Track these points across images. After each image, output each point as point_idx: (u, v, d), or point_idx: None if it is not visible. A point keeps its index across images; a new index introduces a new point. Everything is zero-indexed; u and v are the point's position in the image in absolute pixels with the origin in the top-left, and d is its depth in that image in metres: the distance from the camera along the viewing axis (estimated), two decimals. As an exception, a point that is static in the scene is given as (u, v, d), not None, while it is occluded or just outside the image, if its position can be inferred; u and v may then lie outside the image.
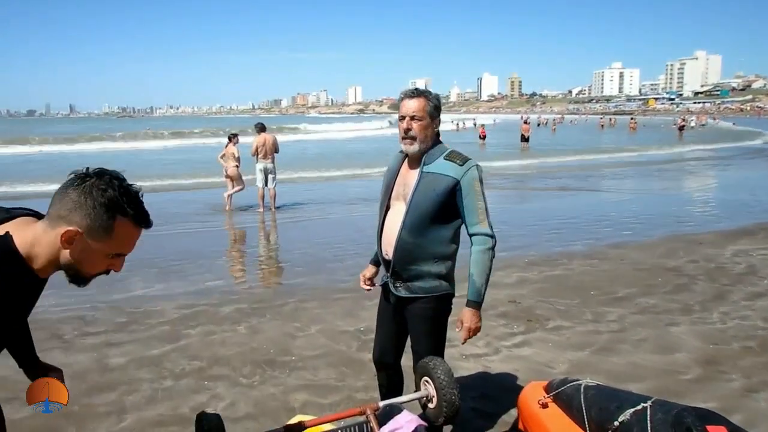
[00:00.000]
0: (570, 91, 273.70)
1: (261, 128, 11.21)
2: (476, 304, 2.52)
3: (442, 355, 2.66)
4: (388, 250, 2.57)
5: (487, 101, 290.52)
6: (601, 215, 10.24)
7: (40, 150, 30.25)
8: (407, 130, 2.50)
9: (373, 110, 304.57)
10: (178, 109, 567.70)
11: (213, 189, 13.20)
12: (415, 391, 2.44)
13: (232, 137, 11.36)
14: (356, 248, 7.59)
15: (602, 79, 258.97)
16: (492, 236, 2.46)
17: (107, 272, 1.48)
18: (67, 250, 1.38)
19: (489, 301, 5.23)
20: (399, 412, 2.20)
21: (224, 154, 11.31)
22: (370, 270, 2.95)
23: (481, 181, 2.48)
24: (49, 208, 1.40)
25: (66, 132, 47.17)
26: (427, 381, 2.76)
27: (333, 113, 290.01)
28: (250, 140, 11.56)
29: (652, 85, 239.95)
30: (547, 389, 2.63)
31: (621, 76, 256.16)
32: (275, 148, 11.21)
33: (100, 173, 1.38)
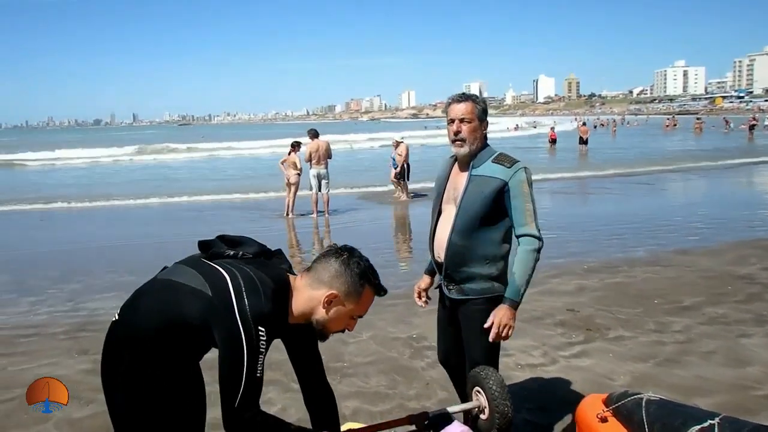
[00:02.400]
0: (631, 92, 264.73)
1: (314, 134, 11.36)
2: (513, 302, 2.47)
3: (496, 359, 2.63)
4: (440, 253, 2.61)
5: (544, 103, 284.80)
6: (666, 220, 9.79)
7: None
8: (457, 133, 2.53)
9: (427, 114, 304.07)
10: (235, 116, 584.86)
11: (279, 194, 13.46)
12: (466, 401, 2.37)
13: (295, 146, 11.52)
14: (409, 254, 7.55)
15: (665, 78, 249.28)
16: (539, 238, 2.47)
17: (342, 331, 1.80)
18: (325, 310, 1.70)
19: (545, 310, 5.12)
20: (449, 422, 2.14)
21: (284, 161, 11.52)
22: (425, 281, 2.94)
23: (529, 184, 2.50)
24: (309, 271, 1.74)
25: (147, 140, 49.20)
26: (478, 391, 2.67)
27: (387, 118, 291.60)
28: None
29: (719, 83, 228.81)
30: (607, 402, 2.49)
31: (685, 74, 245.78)
32: (328, 154, 11.33)
33: (352, 249, 1.75)
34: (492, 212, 2.49)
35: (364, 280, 1.71)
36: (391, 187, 13.60)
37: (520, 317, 4.94)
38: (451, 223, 2.54)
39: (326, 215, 11.06)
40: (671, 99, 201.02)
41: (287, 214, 11.09)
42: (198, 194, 14.44)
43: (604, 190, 14.20)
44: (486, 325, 2.46)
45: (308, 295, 1.71)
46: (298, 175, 11.22)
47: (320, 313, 1.71)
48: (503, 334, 2.46)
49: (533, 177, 2.60)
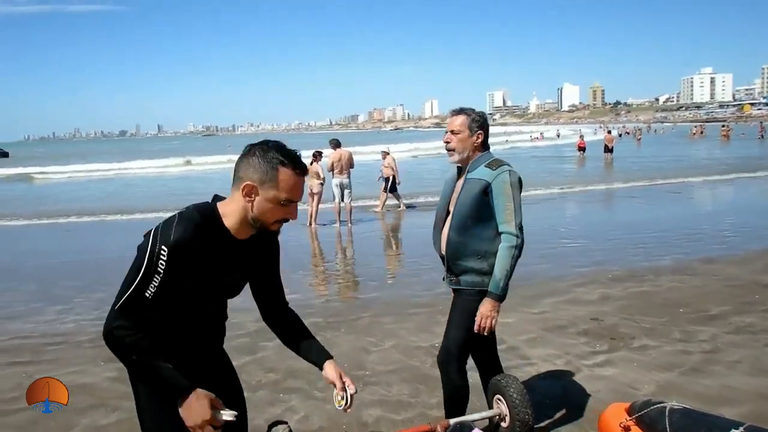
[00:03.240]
0: (657, 99, 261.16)
1: (336, 144, 11.46)
2: (494, 295, 2.71)
3: (466, 343, 2.88)
4: (443, 248, 2.91)
5: (568, 111, 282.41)
6: (692, 228, 9.63)
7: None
8: (447, 143, 2.85)
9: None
10: (258, 126, 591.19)
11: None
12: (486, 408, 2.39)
13: (317, 155, 11.60)
14: (431, 263, 7.54)
15: (692, 86, 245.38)
16: (517, 236, 2.69)
17: (286, 220, 1.74)
18: (249, 204, 1.68)
19: (569, 318, 5.09)
20: (470, 431, 2.16)
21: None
22: None
23: (512, 185, 2.71)
24: (233, 179, 1.72)
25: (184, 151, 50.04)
26: (499, 399, 2.69)
27: (410, 127, 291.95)
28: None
29: (747, 90, 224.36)
30: (630, 411, 2.48)
31: (712, 81, 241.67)
32: (351, 164, 11.41)
33: (262, 141, 1.72)
34: (481, 211, 2.73)
35: (275, 161, 1.67)
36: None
37: (543, 326, 4.97)
38: (450, 220, 2.84)
39: (349, 225, 11.12)
40: (698, 106, 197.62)
41: (310, 224, 11.18)
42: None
43: (629, 199, 14.01)
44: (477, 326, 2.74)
45: (234, 199, 1.71)
46: (321, 184, 11.31)
47: (248, 209, 1.70)
48: (485, 325, 2.74)
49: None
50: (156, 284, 1.60)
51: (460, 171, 2.92)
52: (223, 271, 1.75)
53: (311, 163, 11.54)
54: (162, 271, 1.59)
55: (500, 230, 2.72)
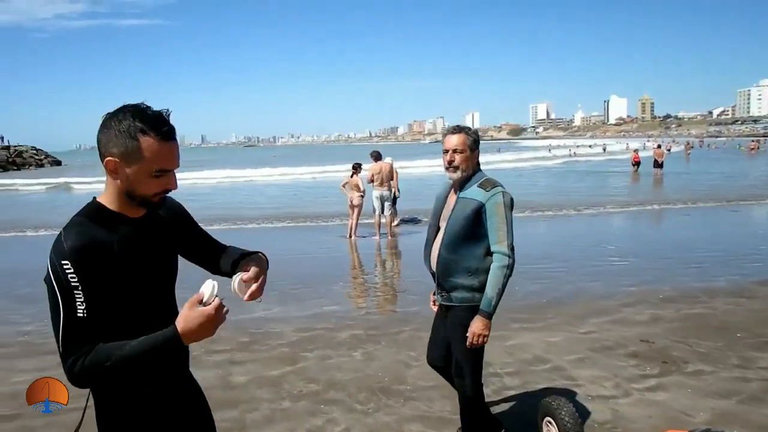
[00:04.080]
0: (710, 113, 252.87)
1: (377, 156, 11.47)
2: (486, 313, 2.78)
3: (477, 363, 2.95)
4: (433, 265, 2.99)
5: (615, 125, 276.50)
6: (749, 248, 9.19)
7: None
8: (450, 162, 2.89)
9: (491, 136, 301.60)
10: (298, 137, 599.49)
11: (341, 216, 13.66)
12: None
13: (357, 167, 11.64)
14: (473, 277, 7.46)
15: (748, 98, 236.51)
16: (509, 256, 2.76)
17: (167, 191, 1.56)
18: (117, 180, 1.51)
19: (617, 339, 4.91)
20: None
21: (346, 183, 11.67)
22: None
23: (506, 206, 2.78)
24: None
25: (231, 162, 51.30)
26: (549, 422, 2.59)
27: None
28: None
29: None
30: (687, 441, 2.35)
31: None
32: (391, 176, 11.40)
33: (118, 108, 1.50)
34: (473, 230, 2.81)
35: (132, 130, 1.45)
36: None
37: (590, 346, 4.80)
38: (441, 238, 2.91)
39: (389, 237, 11.10)
40: (755, 120, 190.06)
41: (350, 236, 11.20)
42: (271, 217, 14.85)
43: (681, 216, 13.52)
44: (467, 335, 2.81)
45: (107, 180, 1.54)
46: (361, 197, 11.33)
47: (118, 184, 1.52)
48: (477, 342, 2.81)
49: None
50: (82, 300, 1.43)
51: (451, 187, 3.03)
52: (141, 251, 1.57)
53: (351, 176, 11.59)
54: (78, 284, 1.42)
55: (493, 250, 2.79)
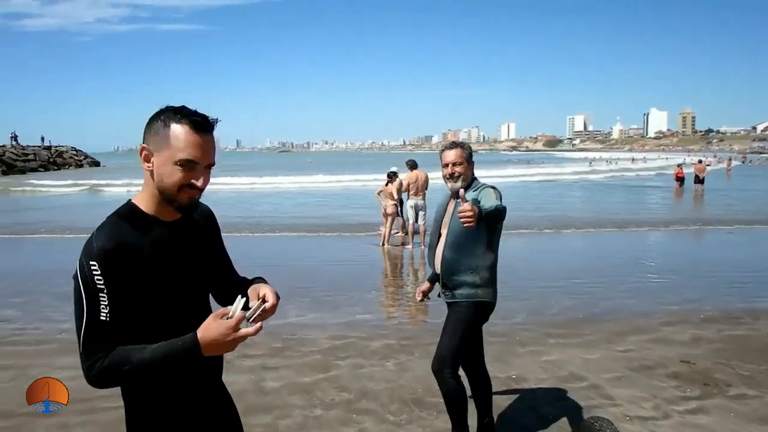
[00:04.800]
0: (754, 128, 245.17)
1: (413, 165, 11.47)
2: (481, 210, 2.89)
3: (457, 351, 3.15)
4: (438, 267, 3.26)
5: (654, 138, 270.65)
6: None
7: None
8: (452, 174, 3.22)
9: (527, 147, 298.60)
10: (332, 144, 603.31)
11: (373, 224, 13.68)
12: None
13: (392, 176, 11.64)
14: (508, 291, 7.33)
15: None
16: (504, 207, 3.01)
17: (194, 187, 1.52)
18: (149, 172, 1.53)
19: (657, 359, 4.79)
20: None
21: (381, 191, 11.69)
22: (425, 285, 3.53)
23: (494, 191, 3.08)
24: None
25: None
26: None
27: (485, 150, 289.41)
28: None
29: None
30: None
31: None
32: (426, 185, 11.38)
33: (162, 108, 1.54)
34: (473, 230, 2.95)
35: (164, 118, 1.50)
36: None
37: (628, 365, 4.70)
38: (444, 241, 3.19)
39: (422, 246, 11.05)
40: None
41: (383, 245, 11.21)
42: (308, 225, 14.98)
43: (723, 234, 13.11)
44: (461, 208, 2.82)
45: (144, 180, 1.57)
46: (395, 205, 11.32)
47: (150, 180, 1.54)
48: (465, 213, 2.74)
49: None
50: (105, 303, 1.42)
51: (450, 196, 3.33)
52: (173, 254, 1.56)
53: (386, 184, 11.60)
54: (103, 286, 1.42)
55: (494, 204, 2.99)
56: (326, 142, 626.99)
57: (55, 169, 53.79)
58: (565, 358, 4.89)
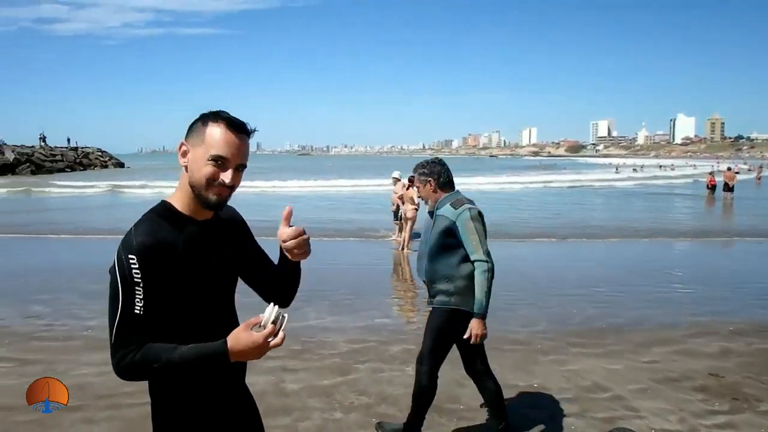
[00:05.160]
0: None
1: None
2: (480, 315, 3.17)
3: (437, 353, 3.34)
4: (422, 275, 3.45)
5: (681, 145, 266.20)
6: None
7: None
8: (419, 197, 3.60)
9: (549, 152, 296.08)
10: (352, 148, 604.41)
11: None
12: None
13: (412, 180, 11.57)
14: (528, 297, 7.26)
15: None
16: (486, 261, 3.14)
17: (223, 184, 1.55)
18: (185, 167, 1.59)
19: (683, 372, 4.67)
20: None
21: (401, 196, 11.65)
22: None
23: (473, 219, 3.17)
24: None
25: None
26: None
27: (506, 154, 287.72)
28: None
29: None
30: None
31: None
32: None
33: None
34: (447, 242, 3.22)
35: (204, 119, 1.59)
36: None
37: (653, 376, 4.60)
38: (424, 251, 3.40)
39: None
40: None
41: (402, 249, 11.16)
42: (329, 229, 15.01)
43: (754, 245, 12.80)
44: (465, 336, 3.22)
45: (181, 172, 1.63)
46: (416, 210, 11.28)
47: (185, 177, 1.60)
48: (477, 341, 3.21)
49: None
50: (141, 297, 1.47)
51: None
52: (205, 252, 1.61)
53: (407, 188, 11.56)
54: (140, 280, 1.46)
55: (472, 259, 3.17)
56: (346, 146, 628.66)
57: (81, 170, 54.91)
58: (587, 368, 4.80)
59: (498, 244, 12.11)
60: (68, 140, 63.11)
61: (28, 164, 47.99)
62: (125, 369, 1.46)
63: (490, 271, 3.14)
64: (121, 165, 67.20)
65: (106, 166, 62.77)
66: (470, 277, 3.20)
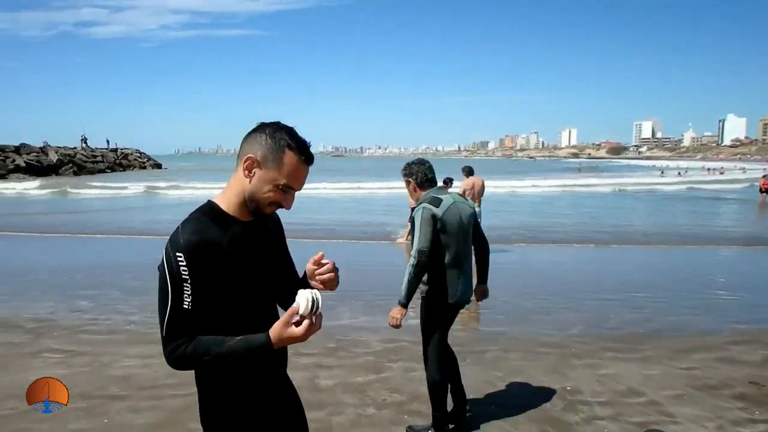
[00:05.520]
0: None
1: (469, 171, 11.38)
2: (399, 303, 3.48)
3: (434, 350, 3.58)
4: None
5: (730, 146, 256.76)
6: None
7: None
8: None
9: (589, 154, 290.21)
10: (386, 149, 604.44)
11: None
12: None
13: (447, 182, 11.58)
14: (563, 301, 7.19)
15: None
16: (414, 257, 3.42)
17: (279, 205, 1.67)
18: (248, 179, 1.63)
19: (722, 379, 4.58)
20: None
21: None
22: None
23: (422, 218, 3.41)
24: (237, 158, 1.68)
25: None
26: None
27: (545, 156, 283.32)
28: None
29: None
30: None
31: None
32: (482, 192, 11.29)
33: (275, 122, 1.67)
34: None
35: (282, 142, 1.61)
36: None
37: (691, 383, 4.54)
38: None
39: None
40: None
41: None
42: (362, 231, 15.11)
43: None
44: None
45: (235, 177, 1.67)
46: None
47: (246, 185, 1.64)
48: (390, 323, 3.53)
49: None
50: (189, 292, 1.54)
51: None
52: (248, 251, 1.68)
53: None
54: (188, 277, 1.53)
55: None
56: (379, 147, 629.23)
57: (120, 171, 56.53)
58: (622, 373, 4.74)
59: (535, 249, 12.04)
60: (107, 142, 65.04)
61: (70, 165, 49.79)
62: (177, 360, 1.55)
63: (414, 267, 3.39)
64: (158, 166, 68.66)
65: (144, 167, 64.36)
66: (436, 267, 3.47)
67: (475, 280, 3.82)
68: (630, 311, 6.71)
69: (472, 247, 3.74)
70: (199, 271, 1.54)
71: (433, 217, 3.40)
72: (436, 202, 3.46)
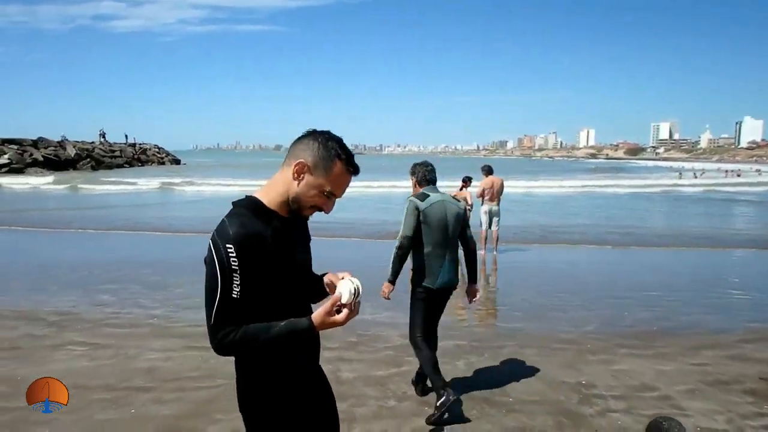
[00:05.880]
0: None
1: (488, 171, 11.50)
2: (388, 279, 4.09)
3: (417, 330, 4.08)
4: None
5: (747, 149, 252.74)
6: None
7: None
8: None
9: (607, 155, 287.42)
10: (405, 147, 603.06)
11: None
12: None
13: (467, 181, 11.70)
14: (579, 300, 7.32)
15: None
16: (397, 241, 3.95)
17: (320, 209, 1.80)
18: (296, 182, 1.74)
19: (734, 375, 4.72)
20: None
21: (455, 196, 11.78)
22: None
23: (407, 211, 3.92)
24: (285, 158, 1.79)
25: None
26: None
27: (563, 156, 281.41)
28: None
29: None
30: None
31: None
32: (501, 191, 11.41)
33: (327, 131, 1.79)
34: None
35: (333, 152, 1.72)
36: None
37: (702, 378, 4.69)
38: None
39: (494, 252, 11.10)
40: None
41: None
42: (382, 231, 15.28)
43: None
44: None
45: (282, 175, 1.76)
46: (468, 210, 11.38)
47: (293, 187, 1.74)
48: (381, 296, 4.08)
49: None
50: (237, 282, 1.62)
51: None
52: (288, 244, 1.78)
53: (461, 189, 11.67)
54: (237, 268, 1.61)
55: None
56: (399, 145, 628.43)
57: (139, 166, 56.45)
58: (636, 369, 4.89)
59: (551, 250, 12.13)
60: (126, 137, 65.19)
61: (88, 159, 49.78)
62: (226, 346, 1.65)
63: (398, 249, 3.91)
64: (177, 162, 67.93)
65: (162, 163, 63.77)
66: (418, 257, 3.96)
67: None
68: (644, 310, 6.83)
69: (459, 243, 4.13)
70: (247, 262, 1.63)
71: (417, 209, 3.88)
72: (423, 197, 3.93)
